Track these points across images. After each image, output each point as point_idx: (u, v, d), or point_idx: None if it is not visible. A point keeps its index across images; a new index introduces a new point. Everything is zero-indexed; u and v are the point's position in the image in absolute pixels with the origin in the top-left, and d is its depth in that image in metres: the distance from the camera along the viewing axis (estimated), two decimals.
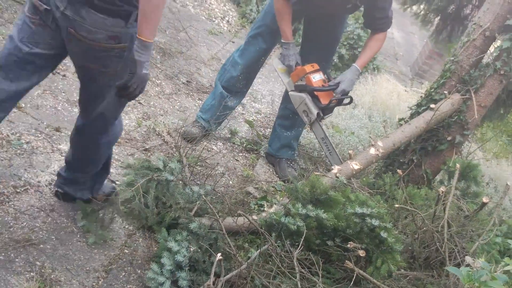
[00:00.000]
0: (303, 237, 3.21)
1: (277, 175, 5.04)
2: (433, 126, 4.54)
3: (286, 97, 4.93)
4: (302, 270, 3.10)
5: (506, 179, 6.60)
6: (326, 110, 4.40)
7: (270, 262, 3.26)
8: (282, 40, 4.54)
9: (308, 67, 4.44)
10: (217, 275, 2.98)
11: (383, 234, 3.17)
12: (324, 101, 4.37)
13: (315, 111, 4.34)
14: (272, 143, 5.15)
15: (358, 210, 3.27)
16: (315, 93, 4.37)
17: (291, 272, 3.09)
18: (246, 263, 3.09)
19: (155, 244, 3.54)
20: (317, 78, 4.42)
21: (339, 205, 3.51)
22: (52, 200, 3.48)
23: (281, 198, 4.22)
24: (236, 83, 4.91)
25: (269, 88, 6.83)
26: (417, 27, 13.75)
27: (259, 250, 3.20)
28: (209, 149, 4.84)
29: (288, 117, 4.97)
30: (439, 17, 8.12)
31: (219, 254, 2.90)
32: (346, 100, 4.53)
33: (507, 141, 8.06)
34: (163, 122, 4.89)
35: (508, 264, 2.31)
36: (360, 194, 3.72)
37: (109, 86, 2.91)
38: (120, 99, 2.96)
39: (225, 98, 4.91)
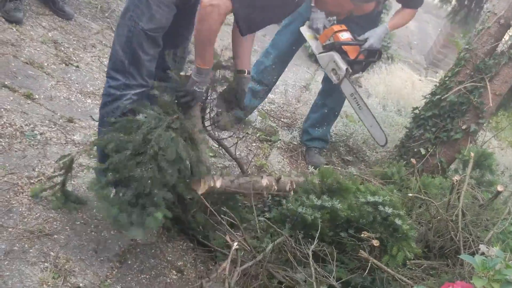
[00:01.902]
0: (318, 228, 3.20)
1: (305, 162, 5.14)
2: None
3: (322, 93, 5.12)
4: (317, 268, 3.09)
5: None
6: (354, 66, 4.41)
7: (284, 252, 3.27)
8: (312, 4, 4.52)
9: (336, 27, 4.48)
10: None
11: (398, 222, 3.16)
12: (352, 55, 4.39)
13: (343, 66, 4.35)
14: (304, 135, 5.31)
15: (370, 198, 3.27)
16: (344, 48, 4.39)
17: (304, 262, 3.10)
18: (262, 254, 3.09)
19: (168, 233, 3.55)
20: (345, 36, 4.43)
21: (351, 193, 3.51)
22: None
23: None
24: (269, 73, 5.00)
25: (282, 78, 6.79)
26: (431, 15, 13.68)
27: (272, 244, 3.21)
28: (221, 138, 4.83)
29: (323, 113, 5.10)
30: None
31: (235, 243, 2.89)
32: (374, 56, 4.52)
33: None
34: None
35: None
36: (370, 185, 3.71)
37: None
38: None
39: (255, 90, 5.06)
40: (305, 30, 4.71)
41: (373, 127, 4.56)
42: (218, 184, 3.40)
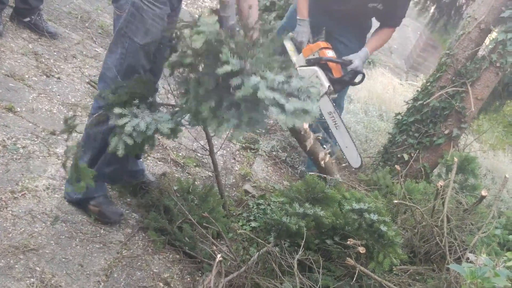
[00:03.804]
0: (303, 237, 3.20)
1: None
2: None
3: None
4: (302, 279, 3.09)
5: (503, 170, 6.62)
6: (336, 85, 4.36)
7: (269, 262, 3.26)
8: (297, 17, 4.57)
9: (322, 43, 4.44)
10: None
11: (383, 228, 3.16)
12: (336, 74, 4.35)
13: (326, 83, 4.29)
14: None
15: (356, 206, 3.28)
16: (329, 65, 4.35)
17: (290, 272, 3.10)
18: (247, 264, 3.09)
19: (153, 245, 3.53)
20: (330, 54, 4.40)
21: (336, 202, 3.52)
22: (50, 205, 3.46)
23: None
24: None
25: None
26: (410, 19, 13.75)
27: (257, 254, 3.21)
28: (206, 149, 4.84)
29: None
30: (435, 6, 8.08)
31: (219, 255, 2.88)
32: (358, 78, 4.46)
33: (503, 132, 8.08)
34: None
35: (511, 260, 2.30)
36: (356, 192, 3.72)
37: None
38: None
39: None
40: (287, 42, 4.68)
41: (349, 148, 4.48)
42: None
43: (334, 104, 4.40)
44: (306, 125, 3.98)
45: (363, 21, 4.76)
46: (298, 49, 4.60)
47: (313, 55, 4.42)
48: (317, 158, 4.10)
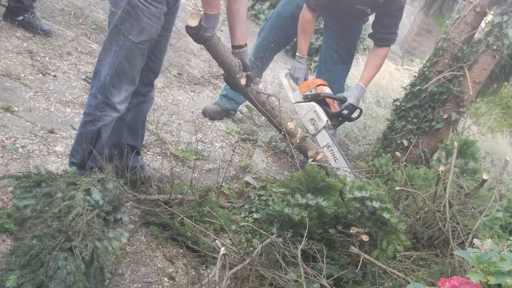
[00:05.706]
0: (306, 227, 3.21)
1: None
2: None
3: None
4: (306, 269, 3.09)
5: (502, 152, 6.63)
6: (333, 120, 4.50)
7: (273, 253, 3.27)
8: (297, 54, 4.71)
9: (319, 80, 4.63)
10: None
11: (385, 215, 3.17)
12: (333, 108, 4.50)
13: (324, 118, 4.42)
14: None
15: (357, 194, 3.27)
16: (327, 101, 4.49)
17: (294, 262, 3.10)
18: (251, 256, 3.09)
19: (156, 240, 3.52)
20: (327, 90, 4.56)
21: (337, 191, 3.52)
22: None
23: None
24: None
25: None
26: None
27: (260, 246, 3.21)
28: (204, 141, 4.84)
29: None
30: None
31: (222, 249, 2.88)
32: (356, 113, 4.61)
33: (501, 115, 8.08)
34: (157, 118, 4.85)
35: None
36: (357, 180, 3.73)
37: None
38: None
39: None
40: (283, 77, 4.91)
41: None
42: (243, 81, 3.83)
43: (332, 138, 4.47)
44: (292, 125, 4.02)
45: (356, 19, 4.89)
46: (295, 85, 4.77)
47: (310, 91, 4.57)
48: (306, 156, 4.16)
